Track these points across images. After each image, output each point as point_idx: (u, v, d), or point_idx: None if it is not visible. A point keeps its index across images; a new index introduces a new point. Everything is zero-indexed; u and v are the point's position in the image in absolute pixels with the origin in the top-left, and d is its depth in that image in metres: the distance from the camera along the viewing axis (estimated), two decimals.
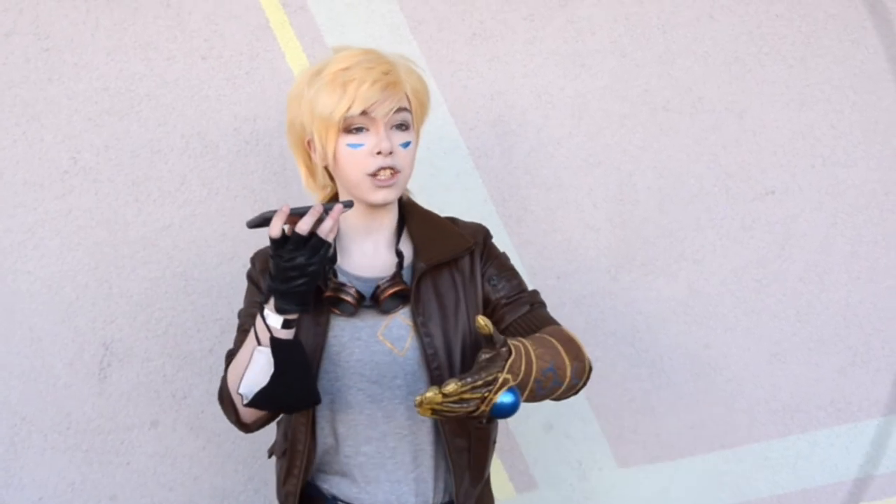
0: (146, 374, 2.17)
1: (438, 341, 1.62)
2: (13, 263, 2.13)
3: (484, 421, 1.48)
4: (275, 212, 1.46)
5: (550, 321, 1.71)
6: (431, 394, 1.36)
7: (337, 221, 1.48)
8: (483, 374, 1.38)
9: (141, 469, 2.18)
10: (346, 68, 1.58)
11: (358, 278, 1.67)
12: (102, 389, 2.16)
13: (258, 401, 1.57)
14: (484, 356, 1.42)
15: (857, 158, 2.25)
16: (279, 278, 1.48)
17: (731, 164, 2.24)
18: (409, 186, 1.73)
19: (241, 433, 2.16)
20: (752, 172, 2.25)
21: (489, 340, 1.43)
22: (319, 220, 1.47)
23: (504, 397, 1.38)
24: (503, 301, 1.70)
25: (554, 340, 1.55)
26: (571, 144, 2.24)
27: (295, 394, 1.58)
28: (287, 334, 1.54)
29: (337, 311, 1.62)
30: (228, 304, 2.17)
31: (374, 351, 1.63)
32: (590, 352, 1.80)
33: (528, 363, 1.45)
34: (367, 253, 1.70)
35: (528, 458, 2.18)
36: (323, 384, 1.64)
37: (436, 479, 1.67)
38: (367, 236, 1.70)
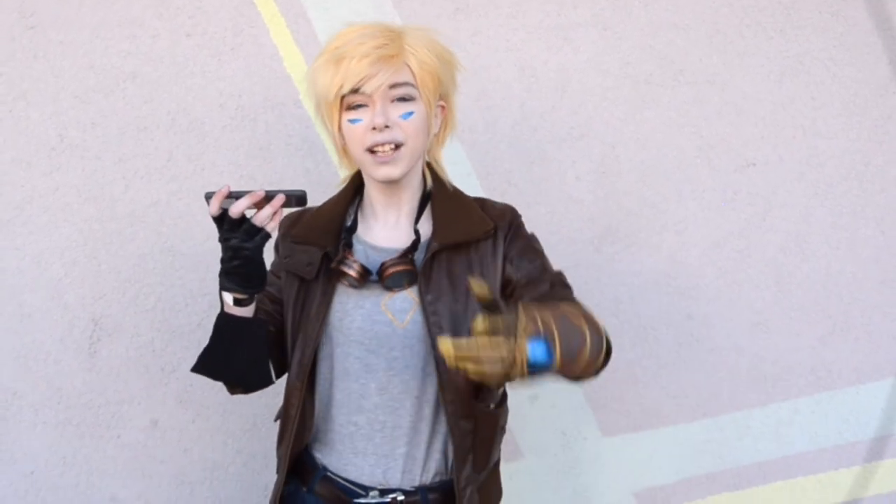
0: (135, 348, 2.20)
1: (446, 321, 1.59)
2: (2, 241, 2.15)
3: (523, 378, 1.28)
4: (214, 193, 1.50)
5: (571, 301, 1.60)
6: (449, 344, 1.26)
7: (278, 210, 1.51)
8: (500, 321, 1.26)
9: (131, 442, 2.21)
10: (338, 46, 1.57)
11: (374, 248, 1.67)
12: (92, 364, 2.19)
13: (198, 367, 1.64)
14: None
15: (836, 130, 2.27)
16: (222, 257, 1.55)
17: (713, 136, 2.26)
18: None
19: (231, 407, 2.22)
20: (734, 144, 2.26)
21: (489, 307, 1.29)
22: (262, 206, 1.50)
23: (535, 348, 1.24)
24: (523, 281, 1.65)
25: (562, 305, 1.39)
26: (554, 118, 2.25)
27: (231, 369, 1.63)
28: (240, 312, 1.59)
29: (344, 283, 1.64)
30: (215, 279, 2.14)
31: (375, 320, 1.63)
32: None
33: (542, 313, 1.30)
34: (389, 225, 1.69)
35: (513, 427, 2.21)
36: (326, 350, 1.66)
37: (426, 460, 1.66)
38: (387, 210, 1.69)
